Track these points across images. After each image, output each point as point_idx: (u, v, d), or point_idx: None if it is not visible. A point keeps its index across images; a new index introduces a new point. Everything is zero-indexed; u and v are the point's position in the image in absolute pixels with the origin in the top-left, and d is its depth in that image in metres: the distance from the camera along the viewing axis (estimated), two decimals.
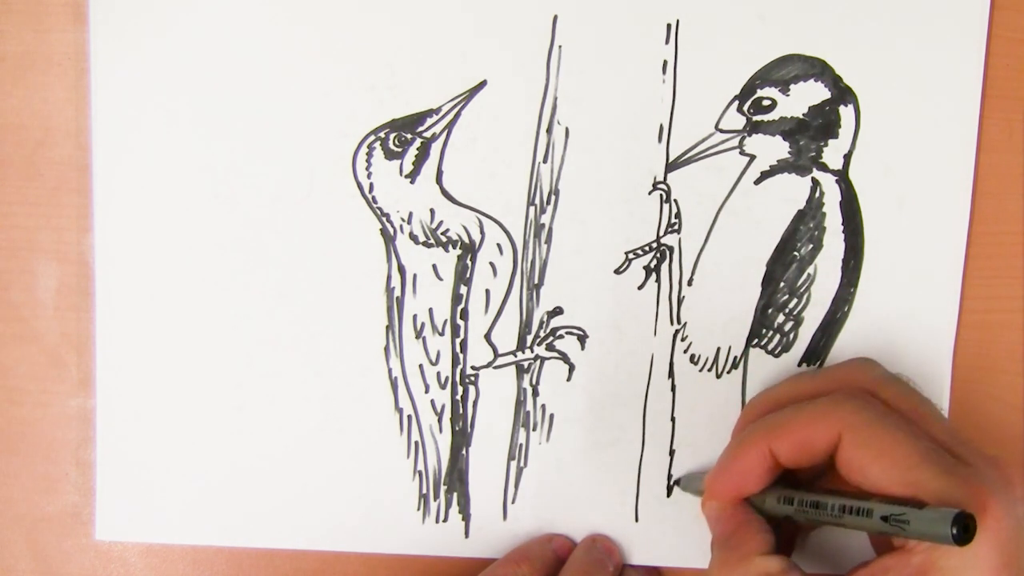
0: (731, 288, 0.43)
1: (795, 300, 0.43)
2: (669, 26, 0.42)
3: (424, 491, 0.45)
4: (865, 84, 0.42)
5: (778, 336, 0.44)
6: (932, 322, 0.43)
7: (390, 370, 0.44)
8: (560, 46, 0.42)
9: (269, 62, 0.42)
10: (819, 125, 0.43)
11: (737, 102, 0.42)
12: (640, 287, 0.43)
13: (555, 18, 0.42)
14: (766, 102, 0.42)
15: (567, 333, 0.44)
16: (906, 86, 0.42)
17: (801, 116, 0.43)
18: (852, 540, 0.43)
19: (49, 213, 0.44)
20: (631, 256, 0.43)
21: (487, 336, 0.44)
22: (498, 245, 0.43)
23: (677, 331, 0.44)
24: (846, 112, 0.42)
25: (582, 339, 0.44)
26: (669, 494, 0.44)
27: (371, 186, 0.43)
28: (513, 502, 0.45)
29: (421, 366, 0.44)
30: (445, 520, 0.45)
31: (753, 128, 0.43)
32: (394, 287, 0.44)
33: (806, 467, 0.38)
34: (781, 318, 0.43)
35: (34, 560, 0.46)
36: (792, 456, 0.37)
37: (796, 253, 0.43)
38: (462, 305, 0.44)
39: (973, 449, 0.35)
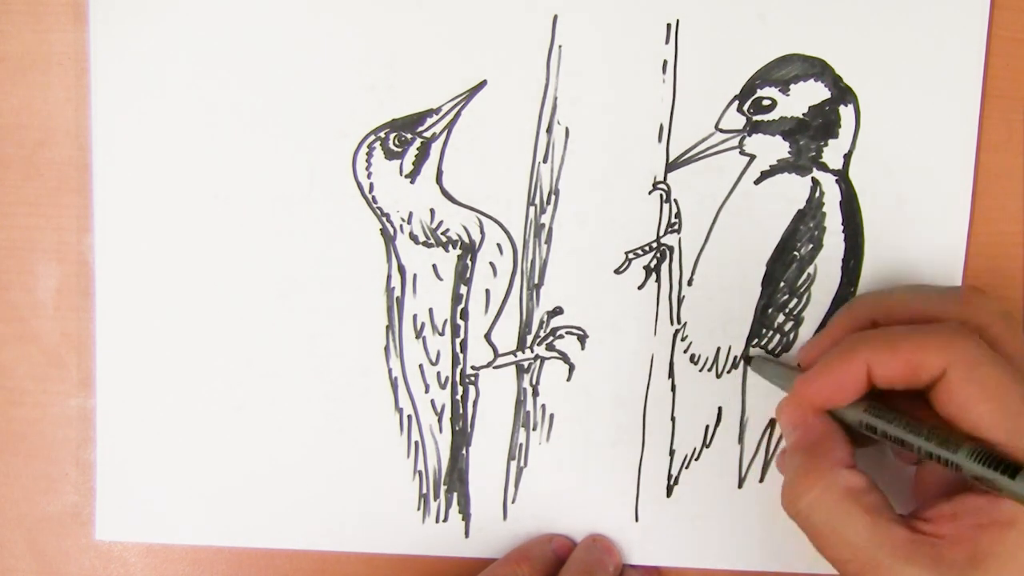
0: (731, 288, 0.43)
1: (795, 300, 0.43)
2: (669, 26, 0.42)
3: (424, 491, 0.45)
4: (865, 84, 0.42)
5: (778, 336, 0.44)
6: None
7: (390, 370, 0.44)
8: (560, 46, 0.42)
9: (269, 62, 0.42)
10: (819, 125, 0.43)
11: (737, 102, 0.42)
12: (640, 287, 0.43)
13: (555, 18, 0.42)
14: (766, 102, 0.42)
15: (567, 333, 0.44)
16: (906, 86, 0.42)
17: (801, 116, 0.43)
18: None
19: (49, 213, 0.44)
20: (631, 256, 0.43)
21: (487, 336, 0.44)
22: (498, 245, 0.43)
23: (677, 331, 0.44)
24: (846, 112, 0.42)
25: (582, 339, 0.44)
26: (669, 494, 0.44)
27: (371, 186, 0.43)
28: (513, 502, 0.45)
29: (421, 366, 0.44)
30: (445, 520, 0.45)
31: (753, 128, 0.43)
32: (394, 287, 0.44)
33: (896, 390, 0.37)
34: (781, 318, 0.43)
35: (34, 560, 0.46)
36: (892, 377, 0.36)
37: (796, 253, 0.43)
38: (462, 305, 0.44)
39: None
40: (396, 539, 0.45)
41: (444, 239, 0.43)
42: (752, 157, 0.43)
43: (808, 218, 0.43)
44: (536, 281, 0.44)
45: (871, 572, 0.34)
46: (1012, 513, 0.34)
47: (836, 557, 0.35)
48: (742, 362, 0.44)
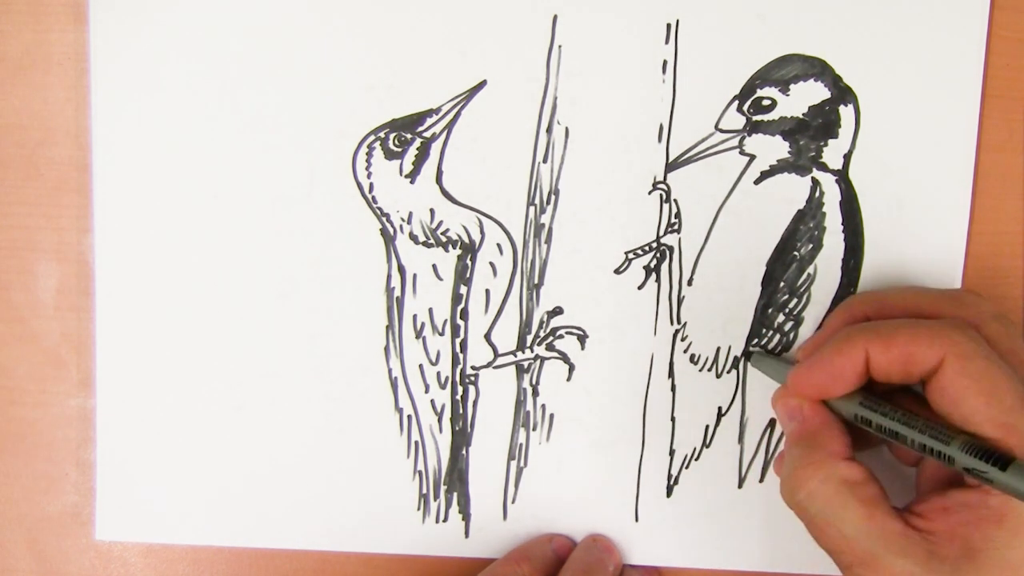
0: (731, 288, 0.43)
1: (795, 300, 0.43)
2: (669, 26, 0.42)
3: (424, 491, 0.45)
4: (865, 84, 0.42)
5: (778, 336, 0.44)
6: None
7: (390, 370, 0.44)
8: (560, 46, 0.42)
9: (269, 62, 0.42)
10: (819, 125, 0.43)
11: (737, 102, 0.42)
12: (640, 287, 0.43)
13: (555, 18, 0.42)
14: (766, 102, 0.42)
15: (567, 333, 0.44)
16: (906, 86, 0.42)
17: (801, 116, 0.43)
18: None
19: (49, 213, 0.44)
20: (631, 256, 0.43)
21: (487, 336, 0.44)
22: (498, 245, 0.43)
23: (677, 331, 0.44)
24: (846, 112, 0.42)
25: (582, 339, 0.44)
26: (669, 494, 0.44)
27: (371, 186, 0.43)
28: (513, 502, 0.45)
29: (421, 366, 0.44)
30: (445, 520, 0.45)
31: (753, 128, 0.43)
32: (394, 287, 0.44)
33: (893, 383, 0.37)
34: (781, 318, 0.43)
35: (34, 560, 0.46)
36: (888, 368, 0.36)
37: (796, 253, 0.43)
38: (462, 305, 0.44)
39: None
40: (396, 539, 0.45)
41: (444, 239, 0.43)
42: (752, 157, 0.43)
43: (808, 218, 0.43)
44: (536, 281, 0.44)
45: (865, 564, 0.34)
46: (1002, 508, 0.34)
47: (831, 547, 0.36)
48: (742, 360, 0.44)
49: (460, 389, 0.44)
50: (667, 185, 0.43)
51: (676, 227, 0.43)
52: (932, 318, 0.38)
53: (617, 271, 0.43)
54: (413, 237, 0.43)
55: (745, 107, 0.42)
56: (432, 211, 0.43)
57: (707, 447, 0.44)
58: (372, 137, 0.43)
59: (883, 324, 0.37)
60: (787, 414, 0.39)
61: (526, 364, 0.44)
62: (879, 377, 0.37)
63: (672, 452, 0.44)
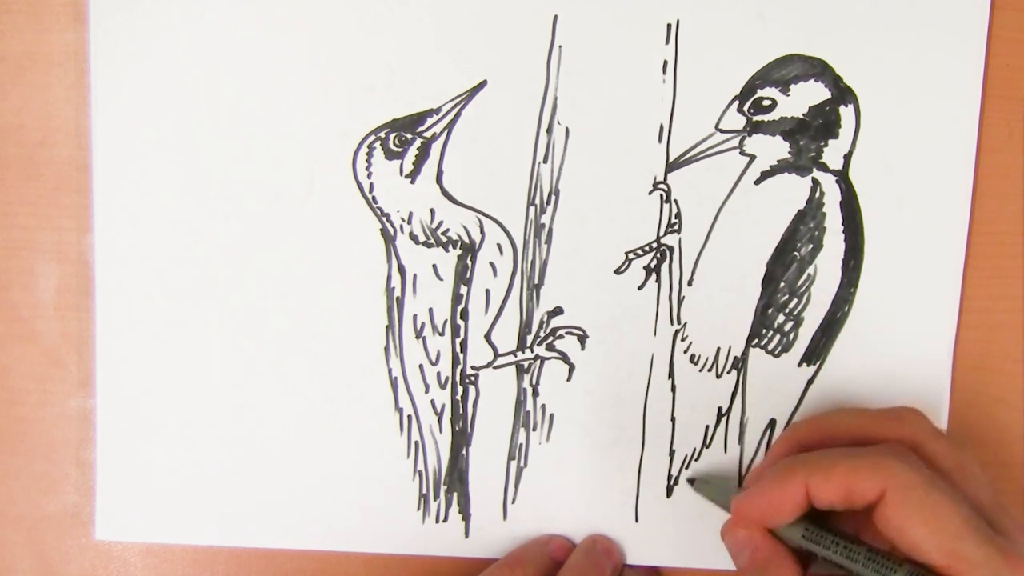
0: (731, 288, 0.43)
1: (795, 300, 0.43)
2: (669, 26, 0.42)
3: (424, 491, 0.45)
4: (865, 84, 0.42)
5: (778, 336, 0.44)
6: (932, 322, 0.43)
7: (390, 370, 0.44)
8: (560, 46, 0.42)
9: (269, 62, 0.42)
10: (819, 125, 0.43)
11: (737, 102, 0.42)
12: (640, 287, 0.43)
13: (555, 18, 0.42)
14: (766, 102, 0.42)
15: (567, 333, 0.44)
16: (906, 86, 0.42)
17: (801, 116, 0.43)
18: None
19: (49, 213, 0.44)
20: (631, 256, 0.43)
21: (487, 336, 0.44)
22: (498, 245, 0.43)
23: (677, 331, 0.44)
24: (846, 112, 0.42)
25: (582, 339, 0.44)
26: (669, 494, 0.44)
27: (371, 186, 0.43)
28: (513, 502, 0.45)
29: (421, 366, 0.44)
30: (445, 520, 0.45)
31: (753, 128, 0.43)
32: (394, 287, 0.44)
33: (837, 510, 0.37)
34: (781, 318, 0.43)
35: (34, 560, 0.46)
36: (829, 500, 0.36)
37: (796, 253, 0.43)
38: (462, 305, 0.44)
39: (1011, 516, 0.36)
40: (396, 539, 0.45)
41: (444, 239, 0.43)
42: (752, 157, 0.43)
43: (808, 218, 0.43)
44: (536, 281, 0.44)
45: None
46: None
47: None
48: (742, 362, 0.44)
49: (460, 389, 0.44)
50: (667, 185, 0.43)
51: (676, 227, 0.43)
52: (875, 441, 0.38)
53: (617, 271, 0.43)
54: (413, 237, 0.43)
55: (745, 107, 0.42)
56: (432, 211, 0.43)
57: (707, 447, 0.44)
58: (372, 137, 0.43)
59: (823, 456, 0.37)
60: (737, 545, 0.39)
61: (526, 364, 0.44)
62: (821, 506, 0.37)
63: (672, 452, 0.44)
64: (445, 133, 0.43)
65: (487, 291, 0.44)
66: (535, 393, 0.44)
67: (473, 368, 0.44)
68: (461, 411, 0.44)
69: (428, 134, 0.43)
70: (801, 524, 0.38)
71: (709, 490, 0.43)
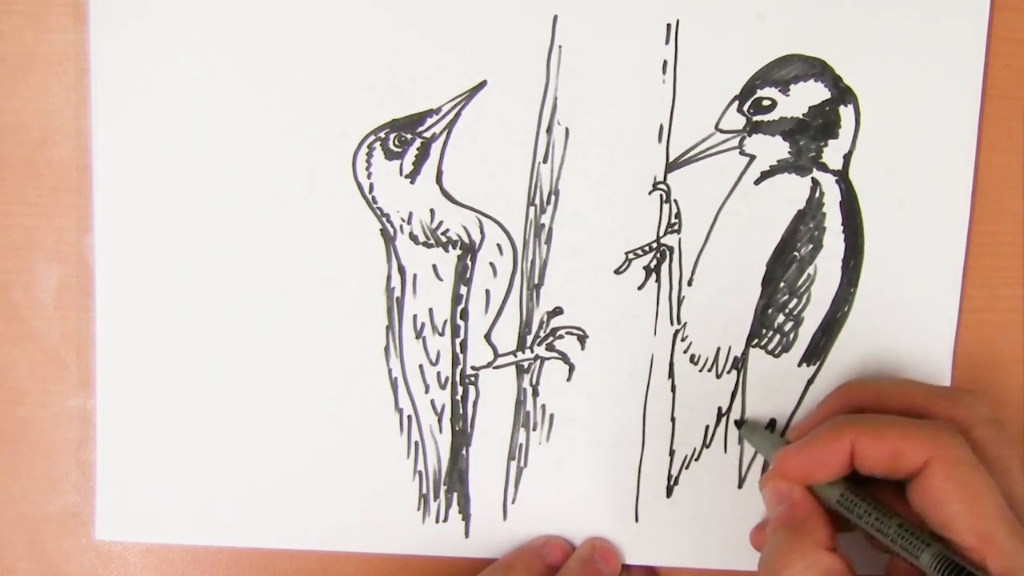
0: (731, 288, 0.43)
1: (795, 300, 0.43)
2: (669, 26, 0.42)
3: (424, 491, 0.45)
4: (865, 84, 0.42)
5: (778, 336, 0.44)
6: (932, 322, 0.43)
7: (390, 370, 0.44)
8: (560, 46, 0.42)
9: (269, 62, 0.42)
10: (819, 125, 0.43)
11: (737, 102, 0.42)
12: (640, 287, 0.43)
13: (555, 18, 0.42)
14: (766, 102, 0.42)
15: (567, 333, 0.44)
16: (906, 86, 0.42)
17: (801, 116, 0.43)
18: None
19: (49, 213, 0.44)
20: (631, 256, 0.43)
21: (487, 336, 0.44)
22: (498, 245, 0.43)
23: (677, 331, 0.44)
24: (846, 112, 0.42)
25: (582, 339, 0.44)
26: (669, 494, 0.44)
27: (371, 186, 0.43)
28: (513, 502, 0.45)
29: (421, 366, 0.44)
30: (445, 520, 0.45)
31: (753, 128, 0.43)
32: (394, 287, 0.44)
33: (876, 476, 0.37)
34: (781, 318, 0.43)
35: (34, 560, 0.46)
36: (874, 462, 0.36)
37: (796, 253, 0.43)
38: (462, 305, 0.44)
39: None
40: (396, 539, 0.45)
41: (444, 239, 0.43)
42: (752, 157, 0.43)
43: (808, 218, 0.43)
44: (536, 281, 0.44)
45: None
46: None
47: None
48: (742, 362, 0.44)
49: (460, 389, 0.44)
50: (667, 185, 0.43)
51: (676, 227, 0.43)
52: (924, 415, 0.38)
53: (617, 271, 0.43)
54: (413, 237, 0.43)
55: (745, 107, 0.42)
56: (432, 211, 0.43)
57: (707, 447, 0.44)
58: (372, 137, 0.43)
59: (874, 419, 0.38)
60: (776, 497, 0.39)
61: (526, 364, 0.44)
62: (864, 470, 0.37)
63: (672, 452, 0.44)
64: (445, 133, 0.43)
65: (487, 291, 0.44)
66: (535, 393, 0.44)
67: (473, 368, 0.44)
68: (461, 411, 0.44)
69: (428, 134, 0.43)
70: (840, 486, 0.38)
71: (755, 437, 0.43)
